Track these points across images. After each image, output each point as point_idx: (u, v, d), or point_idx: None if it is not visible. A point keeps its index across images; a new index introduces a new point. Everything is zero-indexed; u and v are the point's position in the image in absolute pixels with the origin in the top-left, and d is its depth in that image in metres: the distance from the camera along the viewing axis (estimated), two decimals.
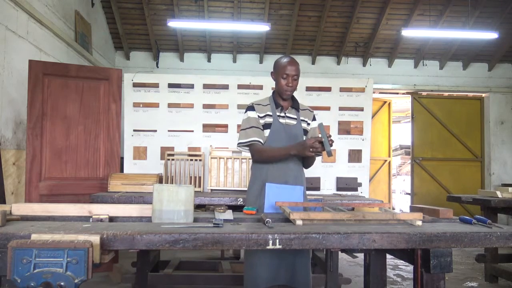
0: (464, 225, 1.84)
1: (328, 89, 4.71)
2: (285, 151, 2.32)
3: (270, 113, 2.44)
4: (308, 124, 2.54)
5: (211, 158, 4.05)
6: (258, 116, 2.43)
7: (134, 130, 4.51)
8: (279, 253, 2.26)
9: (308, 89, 4.71)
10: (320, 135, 2.17)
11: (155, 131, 4.51)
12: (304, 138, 2.47)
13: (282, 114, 2.45)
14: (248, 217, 2.00)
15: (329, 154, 2.09)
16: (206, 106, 4.55)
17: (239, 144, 2.45)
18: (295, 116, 2.48)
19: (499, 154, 7.59)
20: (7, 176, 3.79)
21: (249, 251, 2.32)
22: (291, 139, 2.40)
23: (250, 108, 2.47)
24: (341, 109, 4.68)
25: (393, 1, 6.54)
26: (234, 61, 7.49)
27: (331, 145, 2.14)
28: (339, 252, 3.18)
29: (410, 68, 7.68)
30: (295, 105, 2.51)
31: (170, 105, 4.54)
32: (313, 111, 2.61)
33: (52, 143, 3.94)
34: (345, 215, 1.84)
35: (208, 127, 4.54)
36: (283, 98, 2.46)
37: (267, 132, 2.42)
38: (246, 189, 2.79)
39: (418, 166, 7.48)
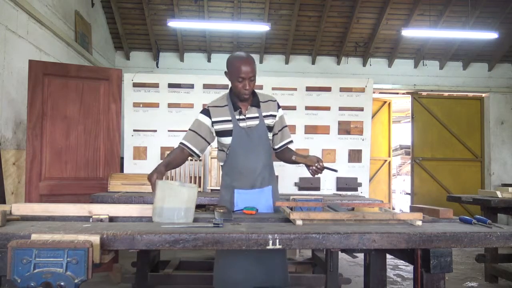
0: (464, 225, 1.84)
1: (328, 89, 4.71)
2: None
3: (229, 118, 2.27)
4: (274, 116, 2.36)
5: (211, 158, 4.05)
6: (214, 121, 2.28)
7: (134, 130, 4.51)
8: (252, 253, 2.16)
9: (308, 89, 4.71)
10: None
11: (155, 131, 4.52)
12: (270, 135, 2.37)
13: (242, 117, 2.28)
14: (248, 217, 2.00)
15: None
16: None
17: None
18: (256, 115, 2.30)
19: (499, 154, 7.59)
20: (7, 176, 3.79)
21: (220, 253, 2.24)
22: (255, 142, 2.29)
23: (204, 111, 2.31)
24: (341, 109, 4.69)
25: (393, 1, 6.53)
26: None
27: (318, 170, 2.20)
28: (339, 252, 3.18)
29: (410, 68, 7.68)
30: (254, 102, 2.31)
31: (170, 105, 4.55)
32: (275, 100, 2.41)
33: (52, 143, 3.94)
34: (345, 215, 1.84)
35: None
36: (240, 99, 2.28)
37: (228, 139, 2.28)
38: None
39: (418, 166, 7.48)
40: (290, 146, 2.47)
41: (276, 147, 2.45)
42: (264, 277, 2.19)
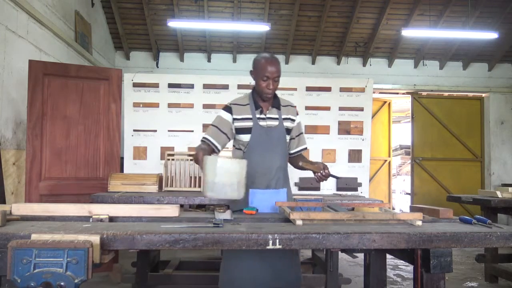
0: (464, 225, 1.84)
1: (328, 89, 4.71)
2: (197, 155, 2.18)
3: (250, 116, 2.31)
4: (293, 120, 2.42)
5: None
6: (234, 118, 2.31)
7: (134, 130, 4.51)
8: (259, 254, 2.17)
9: (308, 89, 4.71)
10: None
11: (155, 131, 4.52)
12: (288, 138, 2.41)
13: (263, 116, 2.32)
14: (248, 217, 2.00)
15: None
16: (206, 106, 4.55)
17: None
18: (276, 116, 2.35)
19: (499, 154, 7.59)
20: (7, 176, 3.79)
21: (227, 254, 2.25)
22: (273, 142, 2.32)
23: (226, 108, 2.35)
24: (341, 109, 4.68)
25: (393, 1, 6.53)
26: (234, 61, 7.49)
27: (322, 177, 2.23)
28: (339, 252, 3.18)
29: (410, 68, 7.68)
30: (275, 103, 2.38)
31: (170, 105, 4.54)
32: (295, 106, 2.48)
33: (52, 143, 3.94)
34: (345, 215, 1.84)
35: (208, 127, 4.54)
36: (263, 99, 2.34)
37: (247, 137, 2.30)
38: None
39: (418, 166, 7.48)
40: (303, 152, 2.52)
41: (292, 151, 2.49)
42: (272, 278, 2.20)
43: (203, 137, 2.35)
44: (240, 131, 2.33)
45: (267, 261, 2.20)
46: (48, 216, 1.86)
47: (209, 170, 1.82)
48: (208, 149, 2.30)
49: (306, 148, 2.52)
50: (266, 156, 2.31)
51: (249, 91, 2.44)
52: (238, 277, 2.18)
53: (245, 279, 2.17)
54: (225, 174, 1.80)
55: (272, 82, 2.25)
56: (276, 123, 2.35)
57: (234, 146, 2.45)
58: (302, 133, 2.51)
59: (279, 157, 2.36)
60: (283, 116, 2.38)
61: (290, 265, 2.28)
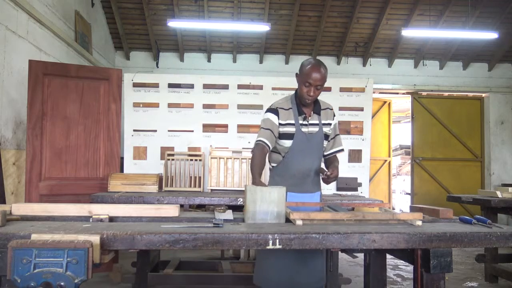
0: (464, 225, 1.84)
1: (328, 89, 4.70)
2: (254, 179, 2.24)
3: (292, 122, 2.33)
4: (330, 124, 2.44)
5: (211, 158, 4.05)
6: (280, 123, 2.33)
7: (134, 130, 4.50)
8: (291, 253, 2.22)
9: None
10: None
11: (155, 131, 4.51)
12: (325, 144, 2.43)
13: (305, 122, 2.34)
14: None
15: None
16: (206, 106, 4.55)
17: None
18: (317, 122, 2.38)
19: (499, 154, 7.59)
20: (7, 176, 3.79)
21: (263, 253, 2.29)
22: (313, 148, 2.35)
23: (273, 111, 2.36)
24: (341, 109, 4.67)
25: (393, 1, 6.53)
26: (234, 61, 7.49)
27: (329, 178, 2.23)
28: (339, 252, 3.18)
29: (410, 68, 7.68)
30: (317, 109, 2.39)
31: (170, 105, 4.54)
32: (332, 108, 2.50)
33: (52, 143, 3.94)
34: (345, 215, 1.84)
35: (208, 127, 4.54)
36: (302, 103, 2.35)
37: (289, 142, 2.32)
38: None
39: (418, 166, 7.48)
40: (339, 154, 2.52)
41: (326, 153, 2.50)
42: (306, 276, 2.24)
43: (259, 140, 2.33)
44: (282, 136, 2.35)
45: (301, 260, 2.25)
46: (48, 216, 1.86)
47: (249, 199, 1.86)
48: (264, 153, 2.31)
49: (342, 150, 2.51)
50: (305, 161, 2.34)
51: (291, 93, 2.46)
52: (275, 275, 2.22)
53: (282, 277, 2.22)
54: (265, 202, 1.83)
55: (313, 89, 2.26)
56: (316, 129, 2.37)
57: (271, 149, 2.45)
58: (338, 134, 2.52)
59: (316, 163, 2.39)
60: (323, 122, 2.39)
61: (321, 264, 2.34)
